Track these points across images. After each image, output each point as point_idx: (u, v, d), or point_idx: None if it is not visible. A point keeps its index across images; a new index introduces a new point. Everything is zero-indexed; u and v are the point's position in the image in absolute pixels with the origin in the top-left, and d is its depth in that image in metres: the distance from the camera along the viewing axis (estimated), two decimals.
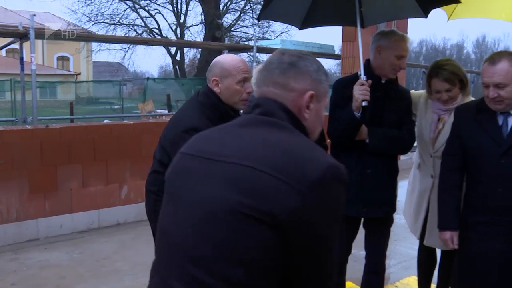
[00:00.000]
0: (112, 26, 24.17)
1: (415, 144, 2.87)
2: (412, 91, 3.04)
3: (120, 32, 24.48)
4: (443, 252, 2.95)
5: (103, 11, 23.83)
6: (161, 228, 1.23)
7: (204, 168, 1.17)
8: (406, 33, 3.24)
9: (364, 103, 2.48)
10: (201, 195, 1.13)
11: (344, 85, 2.70)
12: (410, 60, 14.72)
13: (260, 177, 1.08)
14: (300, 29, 3.15)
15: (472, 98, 2.80)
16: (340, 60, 7.64)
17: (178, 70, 26.12)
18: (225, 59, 2.28)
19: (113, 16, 24.23)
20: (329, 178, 1.09)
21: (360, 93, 2.48)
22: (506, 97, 2.19)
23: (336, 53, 12.53)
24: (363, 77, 2.55)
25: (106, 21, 24.04)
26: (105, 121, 9.55)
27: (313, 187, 1.07)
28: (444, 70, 2.66)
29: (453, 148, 2.44)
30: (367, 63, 2.73)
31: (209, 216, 1.10)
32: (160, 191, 2.03)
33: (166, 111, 13.86)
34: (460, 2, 2.83)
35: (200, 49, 20.21)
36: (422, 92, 2.96)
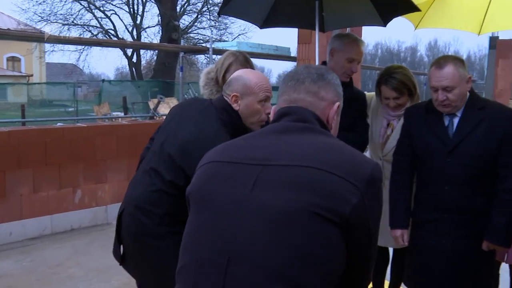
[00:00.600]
0: (66, 27, 23.57)
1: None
2: (366, 93, 3.11)
3: (75, 33, 23.91)
4: (394, 250, 3.01)
5: (56, 11, 23.21)
6: (199, 238, 1.20)
7: (254, 173, 1.18)
8: (360, 36, 3.30)
9: None
10: (265, 201, 1.13)
11: None
12: (365, 62, 15.05)
13: (324, 177, 1.12)
14: (260, 28, 3.16)
15: None
16: (296, 62, 7.71)
17: (134, 72, 25.71)
18: (248, 75, 2.11)
19: (67, 16, 23.63)
20: (376, 176, 1.17)
21: None
22: (454, 100, 2.26)
23: (292, 55, 12.66)
24: None
25: (60, 21, 23.41)
26: (59, 124, 9.29)
27: (369, 185, 1.14)
28: (393, 79, 2.69)
29: (403, 148, 2.50)
30: (323, 65, 2.77)
31: (282, 220, 1.09)
32: (166, 215, 1.99)
33: (122, 114, 13.61)
34: (420, 10, 2.90)
35: (157, 51, 19.97)
36: (374, 94, 3.01)
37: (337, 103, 1.38)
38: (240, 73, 2.13)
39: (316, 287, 1.07)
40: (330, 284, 1.09)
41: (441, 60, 2.27)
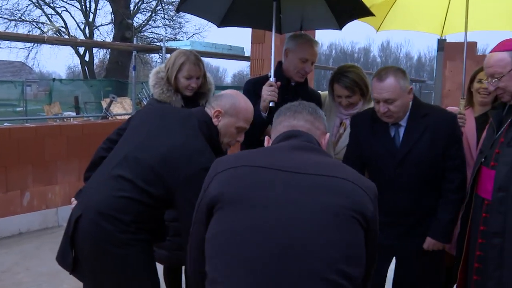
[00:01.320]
0: (13, 23, 22.68)
1: None
2: (320, 92, 3.14)
3: (23, 29, 23.04)
4: None
5: (1, 5, 22.29)
6: (246, 236, 1.28)
7: (290, 179, 1.34)
8: (314, 36, 3.33)
9: (271, 104, 2.53)
10: (311, 203, 1.29)
11: (254, 86, 2.74)
12: (320, 62, 15.28)
13: (350, 186, 1.34)
14: (218, 26, 3.15)
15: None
16: (249, 62, 7.74)
17: (87, 71, 25.07)
18: (240, 99, 2.13)
19: (14, 12, 22.74)
20: (377, 192, 1.45)
21: (268, 94, 2.53)
22: (395, 111, 2.29)
23: (246, 55, 12.68)
24: (272, 79, 2.59)
25: (6, 16, 22.51)
26: (5, 124, 8.93)
27: (375, 198, 1.40)
28: (346, 77, 2.71)
29: (352, 155, 2.51)
30: (279, 65, 2.78)
31: (329, 220, 1.27)
32: (133, 222, 1.90)
33: (74, 114, 13.23)
34: (374, 15, 2.95)
35: (109, 50, 19.55)
36: (327, 93, 3.03)
37: (328, 134, 1.64)
38: (234, 94, 2.14)
39: (358, 280, 1.27)
40: (361, 277, 1.29)
41: (382, 72, 2.28)
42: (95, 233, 1.91)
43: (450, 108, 2.95)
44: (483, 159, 2.19)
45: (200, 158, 1.89)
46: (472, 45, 15.68)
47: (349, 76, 2.71)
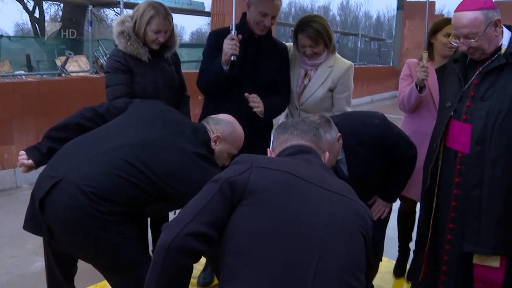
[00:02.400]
0: None
1: None
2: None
3: None
4: None
5: None
6: (271, 237, 1.35)
7: (314, 190, 1.47)
8: None
9: (232, 58, 2.49)
10: (331, 214, 1.43)
11: (217, 38, 2.67)
12: (279, 19, 15.09)
13: (363, 210, 1.52)
14: None
15: (338, 56, 2.92)
16: (210, 18, 7.55)
17: (37, 29, 23.90)
18: (238, 128, 2.24)
19: None
20: None
21: (230, 47, 2.48)
22: (330, 163, 2.19)
23: (206, 10, 12.36)
24: (233, 32, 2.53)
25: None
26: None
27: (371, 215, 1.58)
28: (310, 27, 2.69)
29: None
30: (244, 17, 2.71)
31: (345, 230, 1.43)
32: (123, 205, 1.82)
33: (25, 72, 12.64)
34: None
35: (62, 5, 18.65)
36: (291, 45, 3.01)
37: (327, 153, 1.78)
38: (232, 121, 2.23)
39: (363, 284, 1.40)
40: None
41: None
42: (72, 208, 1.77)
43: (411, 61, 2.97)
44: (453, 112, 2.20)
45: (210, 170, 1.93)
46: (431, 5, 15.85)
47: (313, 26, 2.70)
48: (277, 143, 1.73)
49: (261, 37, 2.69)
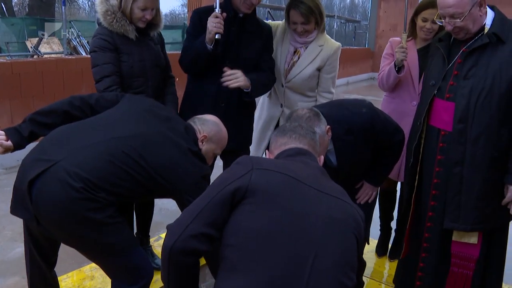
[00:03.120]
0: None
1: None
2: (270, 21, 3.08)
3: None
4: None
5: None
6: (273, 234, 1.43)
7: (311, 193, 1.54)
8: None
9: (217, 36, 2.46)
10: (328, 215, 1.50)
11: (201, 16, 2.63)
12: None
13: (357, 213, 1.60)
14: None
15: (328, 36, 2.95)
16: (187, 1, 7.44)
17: (4, 9, 23.13)
18: (223, 129, 2.29)
19: None
20: None
21: (214, 25, 2.45)
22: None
23: None
24: (217, 10, 2.50)
25: None
26: None
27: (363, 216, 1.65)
28: (303, 4, 2.72)
29: None
30: None
31: (341, 231, 1.50)
32: (118, 196, 1.83)
33: None
34: None
35: None
36: (280, 22, 3.02)
37: (322, 157, 1.89)
38: (217, 122, 2.28)
39: (354, 282, 1.48)
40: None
41: None
42: (63, 191, 1.73)
43: (394, 40, 2.99)
44: (436, 91, 2.23)
45: (203, 166, 2.05)
46: None
47: (306, 3, 2.72)
48: (276, 146, 1.81)
49: (245, 16, 2.66)
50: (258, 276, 1.36)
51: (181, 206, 1.99)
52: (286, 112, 2.69)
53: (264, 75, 2.73)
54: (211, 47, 2.49)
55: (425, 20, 2.74)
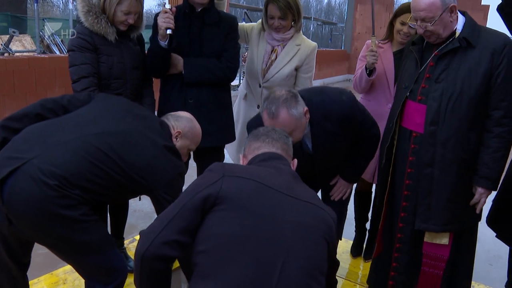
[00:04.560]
0: None
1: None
2: (244, 23, 3.10)
3: None
4: None
5: None
6: (245, 240, 1.45)
7: (282, 199, 1.57)
8: None
9: (168, 31, 2.46)
10: (299, 221, 1.54)
11: (156, 17, 2.61)
12: (232, 0, 14.95)
13: (328, 218, 1.63)
14: None
15: (304, 36, 2.99)
16: None
17: None
18: (196, 125, 2.28)
19: None
20: None
21: (163, 21, 2.46)
22: (297, 138, 2.15)
23: None
24: (166, 5, 2.52)
25: None
26: None
27: (336, 220, 1.69)
28: None
29: None
30: None
31: (311, 236, 1.53)
32: (92, 193, 1.81)
33: None
34: None
35: None
36: (254, 24, 3.04)
37: (295, 160, 1.88)
38: (191, 118, 2.27)
39: (323, 285, 1.52)
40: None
41: (273, 108, 2.03)
42: (36, 189, 1.70)
43: (370, 42, 3.02)
44: (409, 93, 2.27)
45: (179, 163, 2.05)
46: None
47: None
48: (249, 150, 1.84)
49: (204, 10, 2.65)
50: (229, 281, 1.38)
51: (156, 204, 1.99)
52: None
53: (209, 60, 2.65)
54: (165, 43, 2.49)
55: (403, 23, 2.78)
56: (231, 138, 2.88)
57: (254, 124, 2.22)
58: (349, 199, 2.65)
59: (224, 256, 1.43)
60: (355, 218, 3.29)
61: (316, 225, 1.57)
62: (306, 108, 2.12)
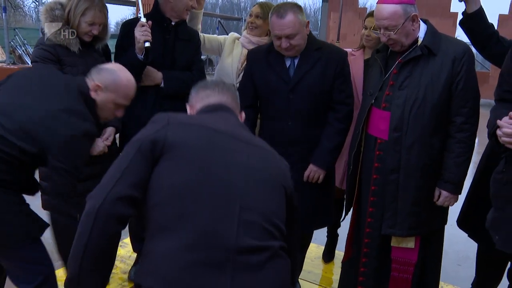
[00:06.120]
0: None
1: None
2: (215, 36, 3.15)
3: None
4: None
5: None
6: (197, 189, 1.38)
7: (233, 143, 1.51)
8: None
9: (146, 44, 2.47)
10: (254, 166, 1.49)
11: (128, 28, 2.63)
12: (206, 10, 14.98)
13: (274, 155, 1.61)
14: None
15: None
16: (135, 8, 7.36)
17: None
18: (122, 76, 2.13)
19: None
20: None
21: (141, 34, 2.46)
22: (297, 45, 2.42)
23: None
24: (142, 19, 2.52)
25: None
26: None
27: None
28: (267, 3, 2.90)
29: (245, 88, 2.62)
30: (156, 5, 2.70)
31: (267, 182, 1.50)
32: None
33: None
34: None
35: None
36: (225, 36, 3.12)
37: (243, 113, 1.83)
38: (116, 69, 2.15)
39: (283, 232, 1.48)
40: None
41: (281, 10, 2.35)
42: None
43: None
44: (373, 100, 2.32)
45: (83, 123, 1.90)
46: None
47: (270, 6, 2.83)
48: (197, 99, 1.75)
49: (178, 24, 2.70)
50: (189, 232, 1.32)
51: (52, 173, 1.87)
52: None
53: (184, 73, 2.74)
54: (142, 57, 2.51)
55: (365, 27, 2.87)
56: None
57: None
58: (331, 183, 2.69)
59: (179, 208, 1.36)
60: None
61: (270, 170, 1.53)
62: (307, 21, 2.44)
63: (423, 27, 2.25)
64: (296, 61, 2.49)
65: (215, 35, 3.19)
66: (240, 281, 1.31)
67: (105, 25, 2.55)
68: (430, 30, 2.23)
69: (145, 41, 2.45)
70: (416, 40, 2.22)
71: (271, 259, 1.38)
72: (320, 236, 3.31)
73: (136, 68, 2.50)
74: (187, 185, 1.38)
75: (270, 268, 1.37)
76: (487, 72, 14.43)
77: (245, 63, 2.89)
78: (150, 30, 2.48)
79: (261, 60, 2.56)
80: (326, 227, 3.28)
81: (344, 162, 2.82)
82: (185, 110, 2.71)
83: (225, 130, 1.53)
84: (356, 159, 2.43)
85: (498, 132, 1.82)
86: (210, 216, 1.35)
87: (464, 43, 2.23)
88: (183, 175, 1.39)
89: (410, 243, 2.32)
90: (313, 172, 2.52)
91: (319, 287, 2.99)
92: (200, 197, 1.37)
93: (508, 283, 2.22)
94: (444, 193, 2.23)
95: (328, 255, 3.32)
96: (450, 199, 2.25)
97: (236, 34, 3.13)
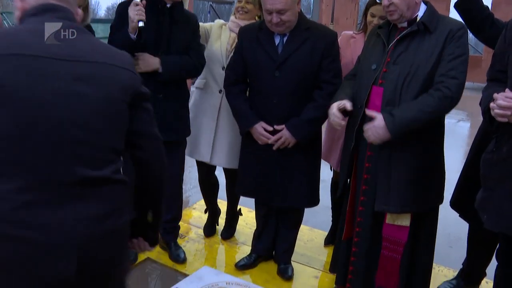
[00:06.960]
0: None
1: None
2: (201, 23, 3.09)
3: None
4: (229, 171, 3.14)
5: None
6: (25, 131, 1.25)
7: (57, 67, 1.29)
8: None
9: (140, 24, 2.43)
10: (87, 93, 1.31)
11: (123, 8, 2.58)
12: None
13: (126, 73, 1.42)
14: None
15: None
16: None
17: None
18: None
19: None
20: None
21: (135, 13, 2.42)
22: (287, 21, 2.44)
23: None
24: None
25: None
26: None
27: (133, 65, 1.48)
28: None
29: (235, 64, 2.68)
30: None
31: (106, 108, 1.34)
32: None
33: None
34: None
35: None
36: (211, 23, 3.10)
37: (80, 10, 1.56)
38: None
39: (119, 152, 1.42)
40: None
41: None
42: None
43: (345, 33, 3.09)
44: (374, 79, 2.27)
45: None
46: None
47: None
48: None
49: (173, 6, 2.65)
50: (21, 175, 1.25)
51: None
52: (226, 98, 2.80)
53: (182, 58, 2.70)
54: (135, 36, 2.46)
55: (373, 15, 2.83)
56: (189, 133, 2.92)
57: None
58: (317, 164, 2.73)
59: (10, 154, 1.25)
60: (332, 208, 3.27)
61: (107, 92, 1.36)
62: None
63: (423, 7, 2.25)
64: (285, 38, 2.52)
65: (200, 23, 3.15)
66: (77, 213, 1.28)
67: (85, 7, 2.52)
68: (430, 10, 2.25)
69: (139, 21, 2.41)
70: (415, 19, 2.23)
71: (106, 185, 1.35)
72: (312, 219, 3.31)
73: (128, 48, 2.42)
74: (10, 138, 1.25)
75: (105, 196, 1.35)
76: (479, 56, 14.39)
77: (234, 44, 2.86)
78: (144, 10, 2.44)
79: (251, 37, 2.60)
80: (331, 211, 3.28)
81: (340, 145, 2.80)
82: (177, 95, 2.73)
83: (46, 51, 1.30)
84: (358, 135, 2.36)
85: (492, 104, 1.81)
86: (43, 159, 1.26)
87: (461, 22, 2.24)
88: (4, 120, 1.25)
89: (406, 221, 2.28)
90: (284, 137, 2.55)
91: (312, 269, 2.99)
92: (29, 140, 1.25)
93: (497, 263, 2.22)
94: (379, 116, 2.16)
95: (331, 239, 3.25)
96: (377, 130, 2.15)
97: (222, 21, 3.11)
